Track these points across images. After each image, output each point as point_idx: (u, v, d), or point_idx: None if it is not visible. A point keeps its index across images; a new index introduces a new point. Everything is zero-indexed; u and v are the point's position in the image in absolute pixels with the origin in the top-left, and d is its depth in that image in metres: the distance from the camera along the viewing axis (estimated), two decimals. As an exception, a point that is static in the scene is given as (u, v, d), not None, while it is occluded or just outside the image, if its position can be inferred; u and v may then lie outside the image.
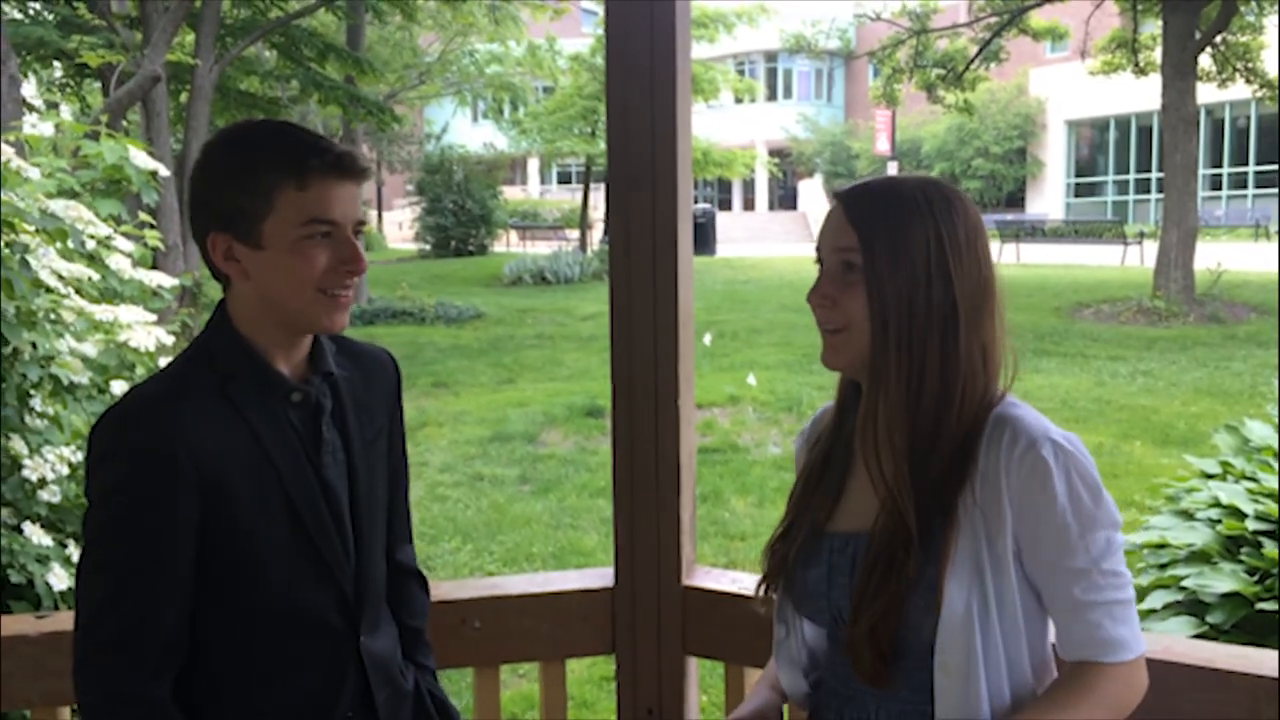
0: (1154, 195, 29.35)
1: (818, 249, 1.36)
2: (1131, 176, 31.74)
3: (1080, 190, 33.56)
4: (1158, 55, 15.54)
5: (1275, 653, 1.57)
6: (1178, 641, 1.69)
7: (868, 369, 1.32)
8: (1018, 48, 21.09)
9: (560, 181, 41.61)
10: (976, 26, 18.28)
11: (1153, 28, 16.89)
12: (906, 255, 1.29)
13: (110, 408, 1.37)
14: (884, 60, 19.18)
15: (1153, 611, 4.22)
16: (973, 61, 18.49)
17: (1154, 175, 29.71)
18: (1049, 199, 33.35)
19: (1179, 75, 13.99)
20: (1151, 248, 17.70)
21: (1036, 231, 23.56)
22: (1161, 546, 4.17)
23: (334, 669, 1.46)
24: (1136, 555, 5.18)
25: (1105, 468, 7.23)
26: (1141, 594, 4.70)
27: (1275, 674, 1.52)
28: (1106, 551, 1.26)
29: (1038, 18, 18.26)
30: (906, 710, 1.33)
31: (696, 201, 26.58)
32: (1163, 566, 4.10)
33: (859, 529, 1.36)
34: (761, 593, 1.46)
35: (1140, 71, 17.34)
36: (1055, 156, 33.66)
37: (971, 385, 1.31)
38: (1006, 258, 21.39)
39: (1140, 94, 21.78)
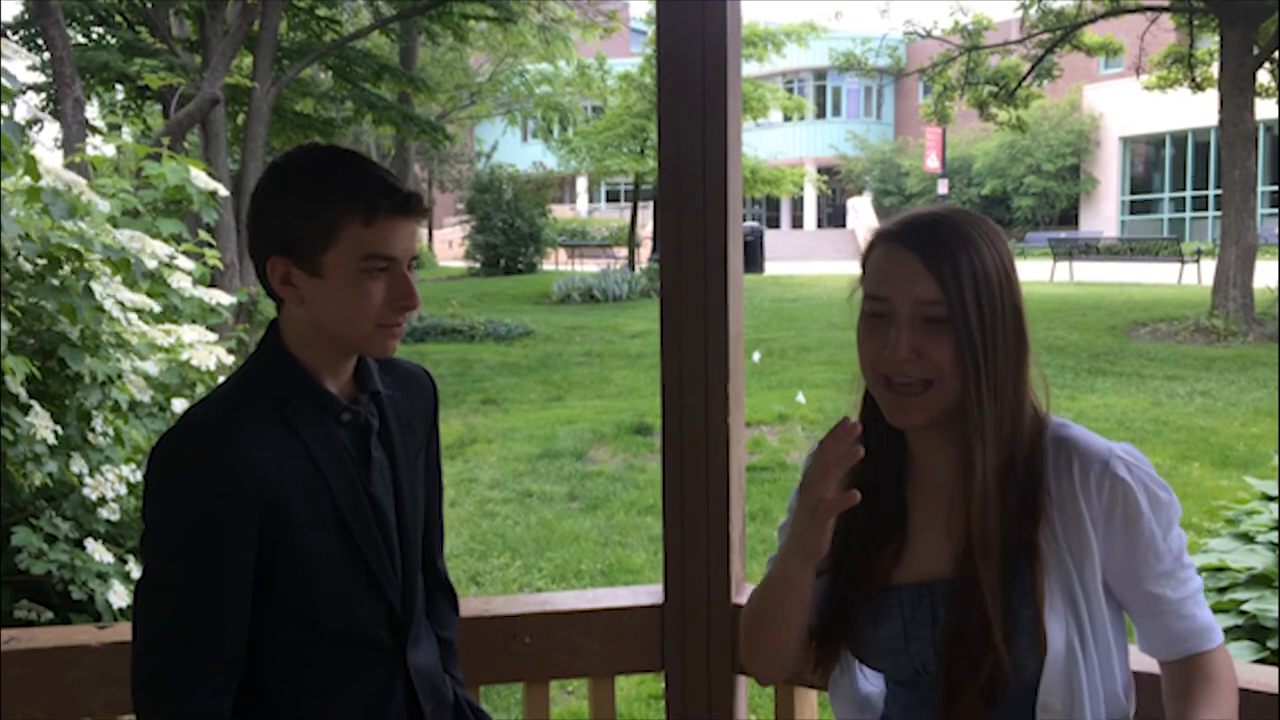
0: (1211, 212, 28.85)
1: (883, 296, 1.28)
2: (1188, 193, 31.22)
3: (1135, 207, 33.06)
4: (1214, 70, 15.30)
5: (1275, 669, 1.58)
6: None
7: (959, 420, 1.27)
8: (1071, 64, 20.90)
9: (608, 200, 41.78)
10: (1029, 43, 18.09)
11: (1209, 43, 16.64)
12: (988, 295, 1.24)
13: (168, 431, 1.40)
14: (935, 77, 19.06)
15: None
16: (1025, 78, 18.32)
17: (1211, 192, 29.21)
18: (1103, 217, 32.89)
19: (1237, 91, 13.76)
20: (1209, 266, 17.38)
21: (1090, 249, 23.23)
22: (1221, 570, 4.08)
23: (382, 683, 1.48)
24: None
25: (1162, 489, 7.10)
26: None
27: (1275, 690, 1.53)
28: (1181, 545, 1.29)
29: (1091, 34, 18.05)
30: None
31: (745, 220, 26.54)
32: (1222, 590, 4.01)
33: (932, 577, 1.32)
34: (818, 675, 1.39)
35: (1197, 87, 17.06)
36: (1109, 173, 33.21)
37: (1032, 415, 1.30)
38: (1060, 276, 21.10)
39: (1197, 110, 21.47)
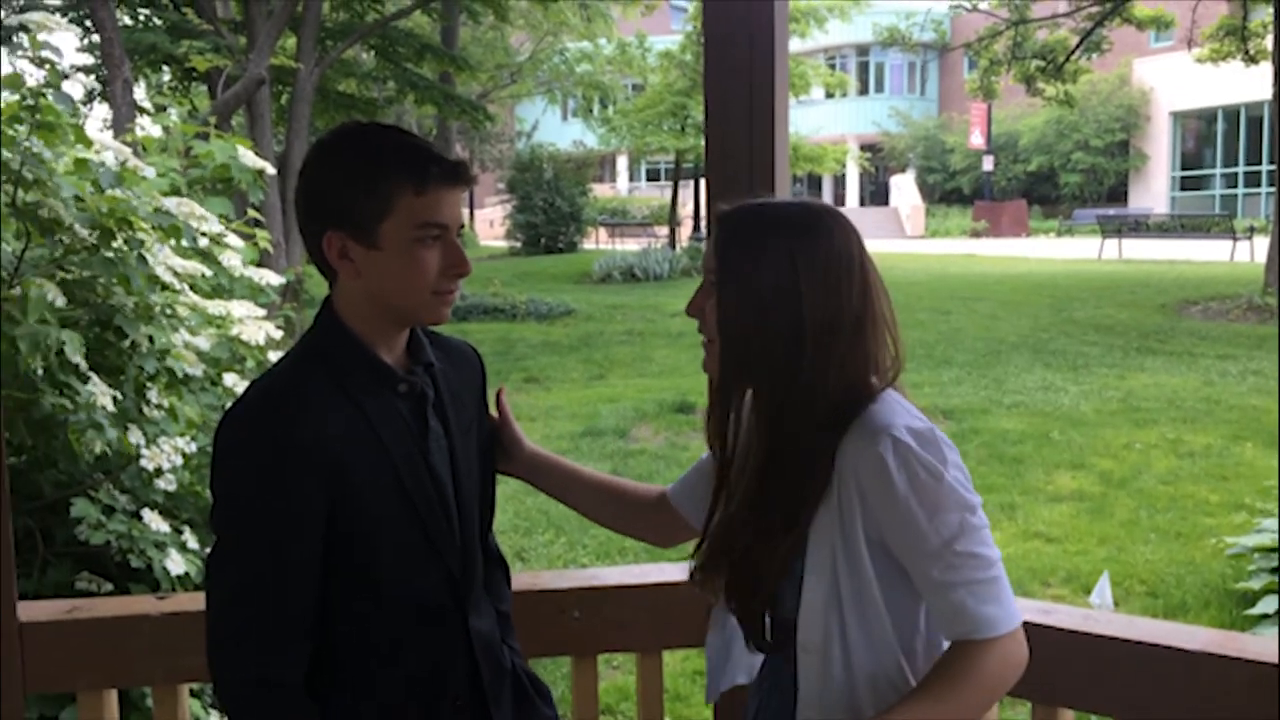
0: (1264, 189, 28.28)
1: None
2: (1240, 169, 30.60)
3: (1186, 184, 32.45)
4: (1268, 43, 14.95)
5: (1275, 640, 1.61)
6: (1141, 622, 1.79)
7: (714, 380, 1.44)
8: (1120, 37, 20.49)
9: (649, 178, 41.69)
10: (1077, 16, 17.79)
11: (1263, 14, 16.25)
12: (752, 281, 1.36)
13: (232, 406, 1.43)
14: (980, 52, 18.79)
15: (1264, 617, 4.08)
16: (1073, 52, 18.02)
17: (1264, 168, 28.61)
18: (1153, 193, 32.33)
19: (1292, 63, 13.45)
20: (1262, 243, 17.05)
21: (1140, 226, 22.84)
22: (1273, 550, 4.03)
23: (445, 648, 1.51)
24: (1247, 559, 5.03)
25: (1214, 469, 7.01)
26: (1254, 598, 4.55)
27: (1275, 660, 1.54)
28: (960, 533, 1.31)
29: (1142, 6, 17.71)
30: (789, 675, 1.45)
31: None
32: (1274, 570, 3.97)
33: None
34: (692, 578, 1.54)
35: (1250, 60, 16.68)
36: (1159, 149, 32.61)
37: (825, 400, 1.36)
38: (1108, 253, 20.79)
39: (1250, 84, 20.99)
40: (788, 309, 1.35)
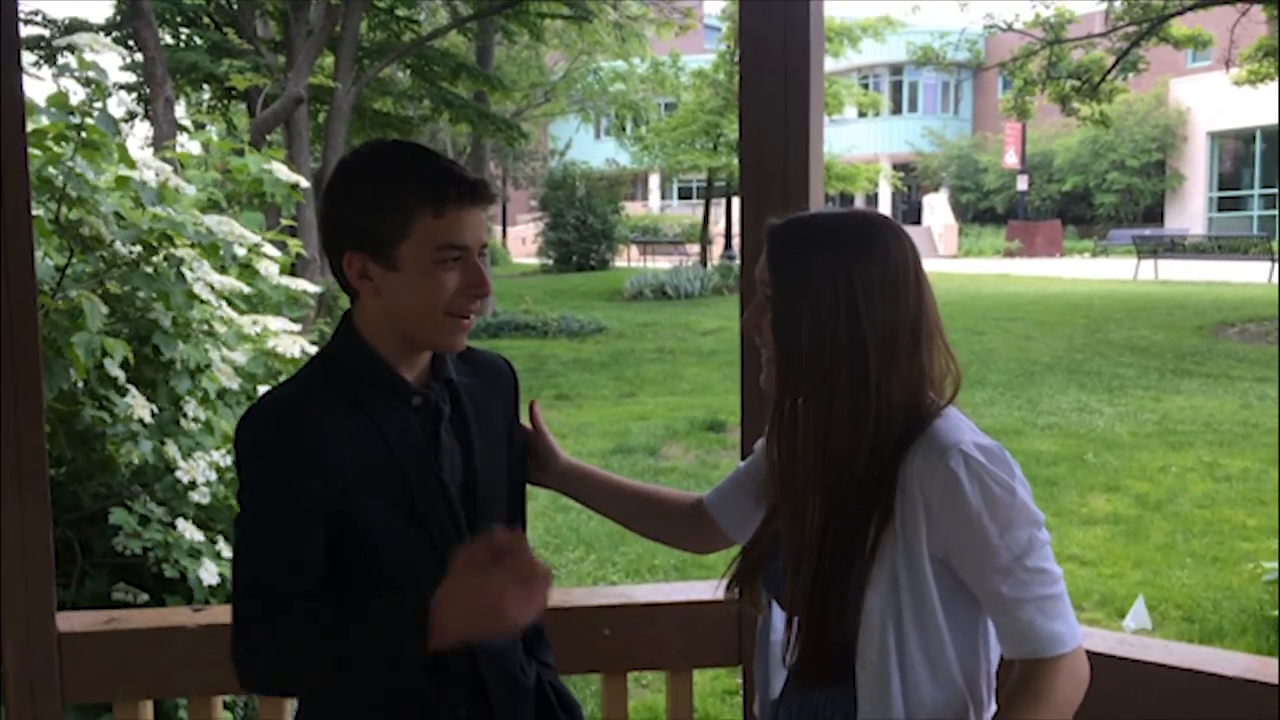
0: (1304, 210, 27.92)
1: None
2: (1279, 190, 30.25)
3: (1224, 204, 32.10)
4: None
5: (1276, 660, 1.60)
6: (1178, 647, 1.78)
7: (774, 398, 1.41)
8: (1157, 57, 20.35)
9: (681, 197, 41.76)
10: (1113, 36, 17.67)
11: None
12: (809, 294, 1.34)
13: (249, 409, 1.45)
14: (1015, 72, 18.70)
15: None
16: (1109, 72, 17.90)
17: (1304, 189, 28.28)
18: (1190, 214, 32.00)
19: (1333, 83, 13.30)
20: (1302, 264, 16.83)
21: (1176, 247, 22.59)
22: (1313, 578, 3.97)
23: (441, 662, 1.45)
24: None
25: (1252, 493, 6.91)
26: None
27: (1275, 681, 1.54)
28: (1029, 549, 1.31)
29: (1179, 26, 17.58)
30: (840, 699, 1.41)
31: (819, 216, 26.27)
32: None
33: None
34: (729, 592, 1.51)
35: (1290, 80, 16.53)
36: (1196, 170, 32.29)
37: (888, 413, 1.35)
38: (1144, 274, 20.59)
39: (1290, 104, 20.75)
40: (849, 321, 1.33)
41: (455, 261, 1.42)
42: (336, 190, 1.45)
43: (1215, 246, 22.59)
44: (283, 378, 3.19)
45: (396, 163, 1.44)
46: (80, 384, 2.69)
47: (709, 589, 2.08)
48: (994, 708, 1.40)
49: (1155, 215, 32.95)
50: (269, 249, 3.39)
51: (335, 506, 1.41)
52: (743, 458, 1.97)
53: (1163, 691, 1.63)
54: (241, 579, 1.42)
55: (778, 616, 1.54)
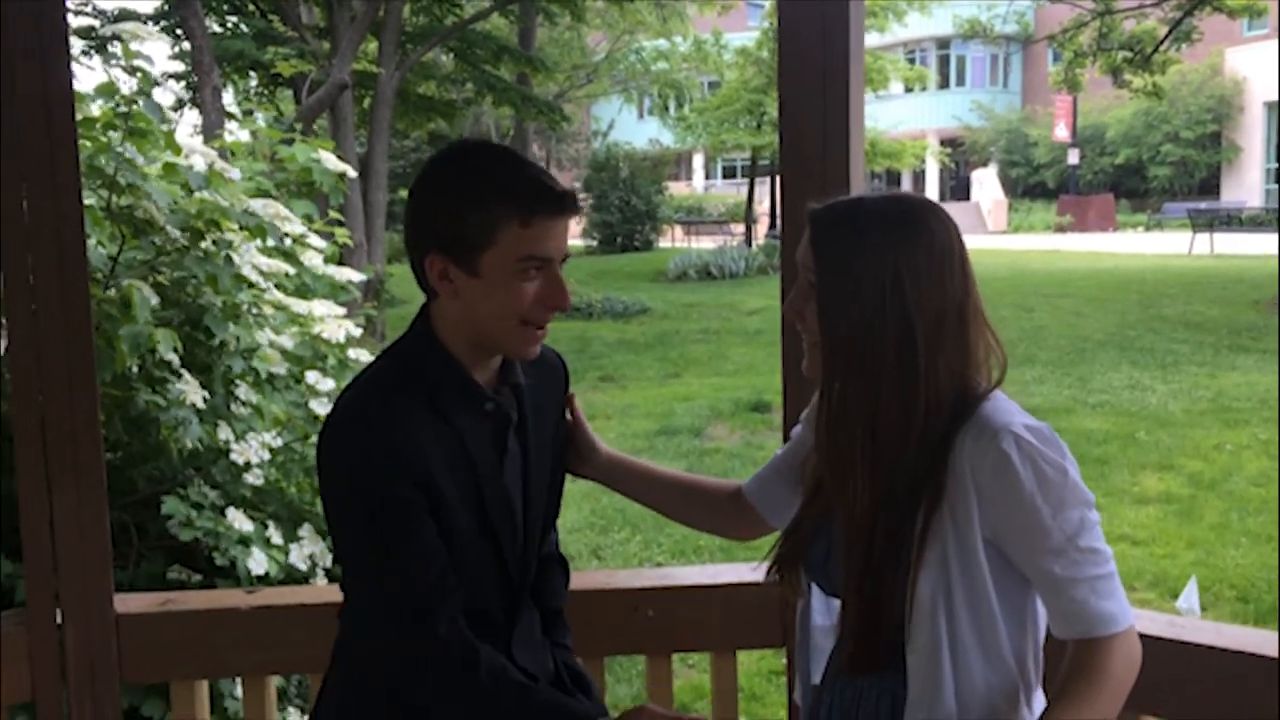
0: (1366, 180, 27.21)
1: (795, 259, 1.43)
2: (1340, 160, 29.50)
3: (1282, 176, 31.38)
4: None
5: (1275, 634, 1.60)
6: (1228, 629, 1.77)
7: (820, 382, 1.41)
8: (1211, 26, 19.85)
9: (725, 176, 41.56)
10: (1166, 5, 17.28)
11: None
12: (855, 280, 1.34)
13: (329, 419, 1.44)
14: (1065, 44, 18.35)
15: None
16: (1162, 43, 17.51)
17: (1366, 158, 27.54)
18: (1246, 186, 31.29)
19: (1397, 49, 12.92)
20: (1363, 236, 16.41)
21: (1232, 220, 22.13)
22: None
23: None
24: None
25: (1309, 472, 6.78)
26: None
27: (1275, 654, 1.54)
28: (1081, 529, 1.30)
29: (1234, -7, 17.16)
30: (887, 682, 1.41)
31: (864, 194, 26.06)
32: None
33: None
34: (772, 575, 1.51)
35: (1351, 47, 16.07)
36: (1253, 141, 31.54)
37: (936, 397, 1.34)
38: (1199, 248, 20.20)
39: (1351, 71, 20.20)
40: (896, 307, 1.32)
41: (538, 272, 1.41)
42: (423, 191, 1.44)
43: (1273, 219, 22.07)
44: (330, 361, 3.24)
45: (485, 168, 1.43)
46: (135, 369, 2.74)
47: (752, 570, 2.09)
48: (1040, 689, 1.39)
49: (1211, 188, 32.26)
50: (314, 239, 3.42)
51: (433, 514, 1.41)
52: (784, 440, 1.98)
53: (1214, 674, 1.61)
54: (380, 598, 1.41)
55: (818, 600, 1.55)
